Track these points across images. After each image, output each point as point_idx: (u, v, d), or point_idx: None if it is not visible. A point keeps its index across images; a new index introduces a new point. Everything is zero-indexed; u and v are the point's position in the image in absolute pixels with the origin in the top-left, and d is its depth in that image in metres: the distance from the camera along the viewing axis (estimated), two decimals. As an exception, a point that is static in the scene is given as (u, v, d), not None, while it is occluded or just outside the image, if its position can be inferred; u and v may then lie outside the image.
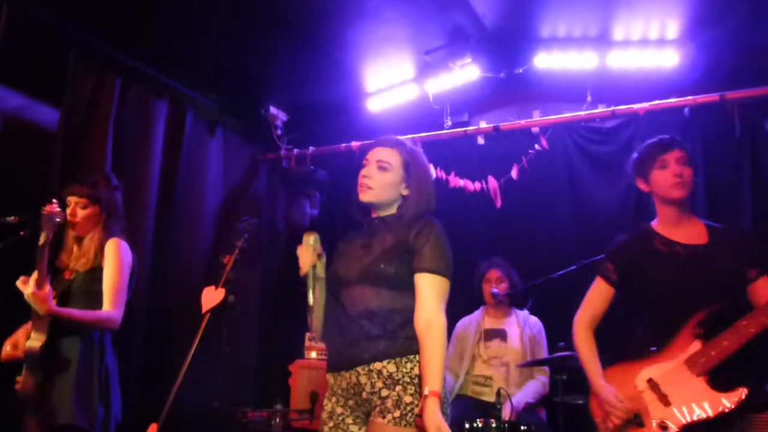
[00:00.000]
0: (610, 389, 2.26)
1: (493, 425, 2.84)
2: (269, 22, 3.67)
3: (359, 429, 1.94)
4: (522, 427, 2.85)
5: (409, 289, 1.94)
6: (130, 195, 3.15)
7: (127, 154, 3.78)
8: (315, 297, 1.97)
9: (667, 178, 2.31)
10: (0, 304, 2.70)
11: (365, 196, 2.04)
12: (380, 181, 2.04)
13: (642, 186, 2.42)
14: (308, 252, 1.99)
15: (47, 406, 2.45)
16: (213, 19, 3.66)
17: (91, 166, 3.48)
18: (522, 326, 3.61)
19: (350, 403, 1.94)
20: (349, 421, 1.95)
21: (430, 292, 1.91)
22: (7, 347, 2.59)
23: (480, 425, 2.85)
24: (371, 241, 2.01)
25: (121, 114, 3.75)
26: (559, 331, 3.47)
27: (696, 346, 2.16)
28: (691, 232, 2.33)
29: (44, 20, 3.40)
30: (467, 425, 2.86)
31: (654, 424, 2.14)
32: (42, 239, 2.44)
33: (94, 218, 2.71)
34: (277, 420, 3.94)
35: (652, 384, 2.20)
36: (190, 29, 3.75)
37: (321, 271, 2.03)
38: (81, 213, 2.68)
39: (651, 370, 2.23)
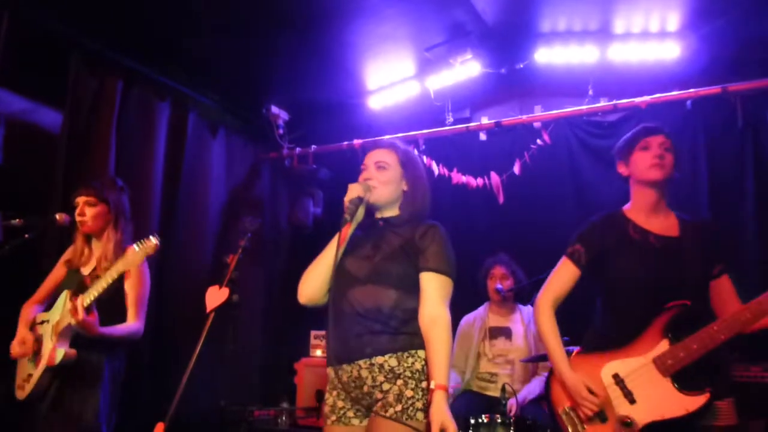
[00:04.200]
0: (579, 379, 2.20)
1: (499, 420, 2.84)
2: (269, 21, 3.68)
3: (360, 422, 1.98)
4: (527, 422, 2.86)
5: (415, 289, 2.00)
6: (133, 196, 3.15)
7: (130, 156, 3.79)
8: (348, 225, 2.04)
9: (647, 158, 2.28)
10: (6, 304, 2.72)
11: (372, 197, 2.10)
12: (382, 180, 2.12)
13: (621, 169, 2.38)
14: (358, 186, 2.08)
15: (73, 411, 2.47)
16: (213, 21, 3.67)
17: (95, 168, 3.50)
18: (527, 323, 3.60)
19: (351, 396, 1.98)
20: (351, 414, 1.99)
21: (435, 290, 1.98)
22: (16, 347, 2.62)
23: (485, 420, 2.86)
24: (380, 242, 2.07)
25: (123, 116, 3.77)
26: (563, 326, 3.45)
27: (664, 345, 2.14)
28: (664, 223, 2.30)
29: (45, 24, 3.42)
30: (472, 420, 2.87)
31: (618, 420, 2.13)
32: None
33: (103, 217, 2.72)
34: (284, 418, 3.96)
35: (618, 379, 2.18)
36: (191, 30, 3.75)
37: (361, 212, 2.09)
38: (90, 211, 2.70)
39: (616, 365, 2.19)
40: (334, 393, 2.02)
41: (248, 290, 4.43)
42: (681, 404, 2.08)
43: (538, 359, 3.44)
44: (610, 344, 2.24)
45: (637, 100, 3.87)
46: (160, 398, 3.31)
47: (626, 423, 2.10)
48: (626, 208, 2.38)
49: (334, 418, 2.00)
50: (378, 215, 2.17)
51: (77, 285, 2.66)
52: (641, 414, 2.11)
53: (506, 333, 3.63)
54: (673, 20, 3.67)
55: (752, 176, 3.62)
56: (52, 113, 3.63)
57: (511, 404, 3.10)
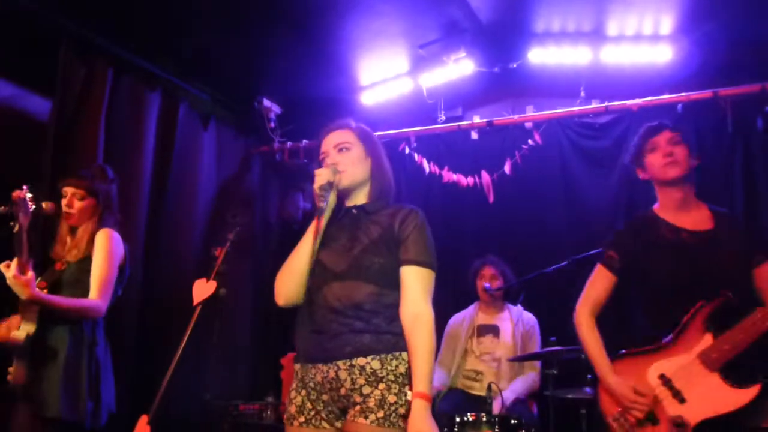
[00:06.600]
0: (625, 384, 2.18)
1: (484, 419, 2.85)
2: (263, 14, 3.65)
3: (331, 425, 1.82)
4: (512, 421, 2.86)
5: (397, 283, 1.87)
6: (122, 187, 3.12)
7: (119, 146, 3.75)
8: (324, 208, 1.89)
9: (658, 159, 2.29)
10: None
11: (342, 181, 1.95)
12: (348, 161, 1.99)
13: (641, 174, 2.40)
14: (327, 171, 1.93)
15: (36, 397, 2.43)
16: (206, 11, 3.64)
17: (83, 157, 3.46)
18: (515, 322, 3.62)
19: (324, 398, 1.82)
20: (322, 416, 1.82)
21: (417, 284, 1.84)
22: (3, 329, 2.58)
23: (471, 419, 2.86)
24: (357, 233, 1.92)
25: (113, 105, 3.72)
26: (550, 325, 3.48)
27: (708, 340, 2.11)
28: (696, 218, 2.29)
29: (35, 10, 3.37)
30: (458, 419, 2.87)
31: (669, 421, 2.09)
32: (17, 227, 2.40)
33: (90, 210, 2.70)
34: (269, 413, 3.94)
35: (665, 380, 2.15)
36: (184, 21, 3.72)
37: (333, 199, 1.94)
38: (78, 204, 2.67)
39: (662, 365, 2.17)
40: (303, 392, 1.85)
41: (236, 284, 4.40)
42: (732, 398, 2.03)
43: (524, 358, 3.45)
44: (652, 345, 2.22)
45: (629, 102, 3.89)
46: (145, 391, 3.30)
47: (678, 424, 2.05)
48: (656, 207, 2.37)
49: (302, 419, 1.82)
50: (349, 203, 2.01)
51: (49, 270, 2.65)
52: (693, 412, 2.07)
53: (494, 330, 3.64)
54: (666, 23, 3.68)
55: (741, 181, 3.64)
56: (40, 100, 3.58)
57: (497, 403, 3.11)
